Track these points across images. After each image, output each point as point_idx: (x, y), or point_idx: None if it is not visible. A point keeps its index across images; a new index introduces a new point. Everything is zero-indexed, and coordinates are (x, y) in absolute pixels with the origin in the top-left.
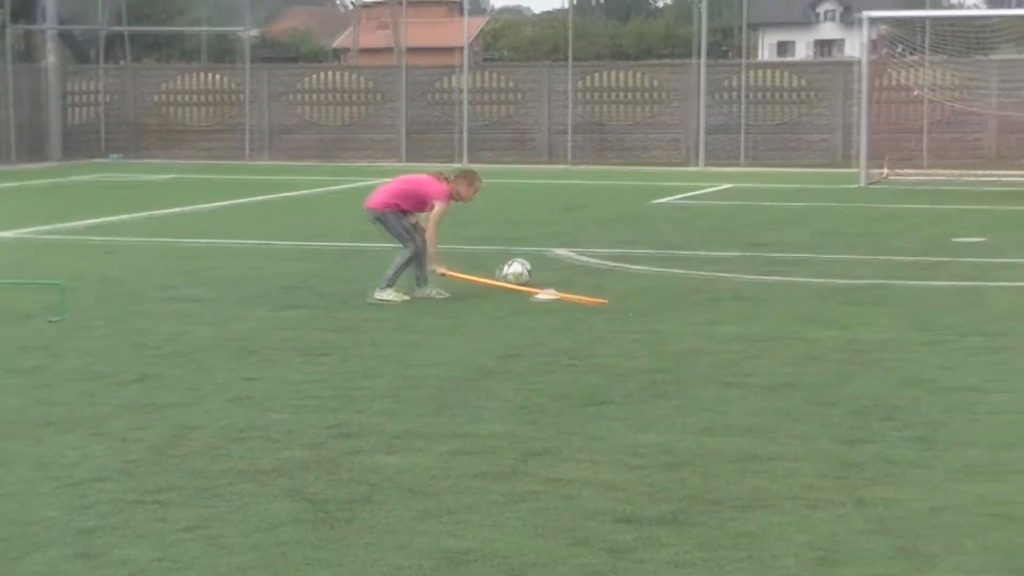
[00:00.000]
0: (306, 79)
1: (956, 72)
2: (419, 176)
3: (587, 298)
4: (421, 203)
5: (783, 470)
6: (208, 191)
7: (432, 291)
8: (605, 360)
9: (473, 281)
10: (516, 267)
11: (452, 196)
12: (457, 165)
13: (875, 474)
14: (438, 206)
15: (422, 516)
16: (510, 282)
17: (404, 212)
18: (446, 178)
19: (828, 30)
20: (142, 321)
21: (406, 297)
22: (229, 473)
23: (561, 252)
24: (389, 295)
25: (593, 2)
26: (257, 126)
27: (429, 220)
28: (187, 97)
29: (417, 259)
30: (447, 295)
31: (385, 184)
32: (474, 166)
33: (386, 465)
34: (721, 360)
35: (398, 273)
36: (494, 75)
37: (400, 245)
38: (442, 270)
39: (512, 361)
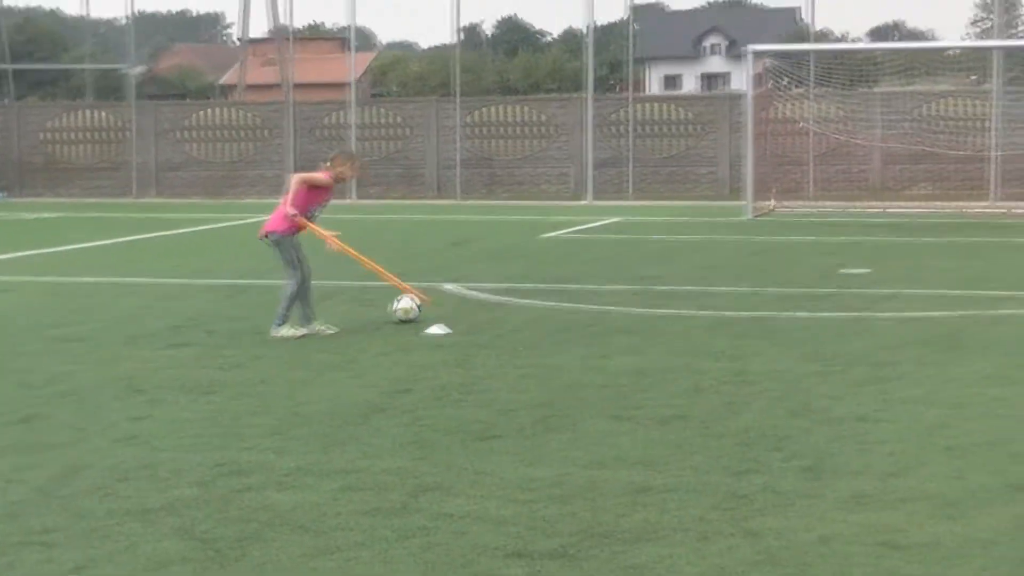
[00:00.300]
0: (193, 116)
1: (840, 105)
2: None
3: (421, 294)
4: (317, 194)
5: (673, 502)
6: (94, 229)
7: (319, 326)
8: (495, 394)
9: (316, 232)
10: (406, 302)
11: (336, 178)
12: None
13: (764, 505)
14: (311, 176)
15: (313, 553)
16: (399, 318)
17: (298, 234)
18: (326, 166)
19: (715, 64)
20: (27, 361)
21: (304, 331)
22: (117, 513)
23: (450, 287)
24: (285, 331)
25: (480, 37)
26: (143, 164)
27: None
28: (73, 135)
29: (303, 293)
30: (335, 330)
31: (276, 207)
32: (365, 201)
33: (276, 502)
34: (611, 393)
35: (288, 307)
36: (382, 110)
37: (286, 276)
38: (293, 211)
39: (401, 396)
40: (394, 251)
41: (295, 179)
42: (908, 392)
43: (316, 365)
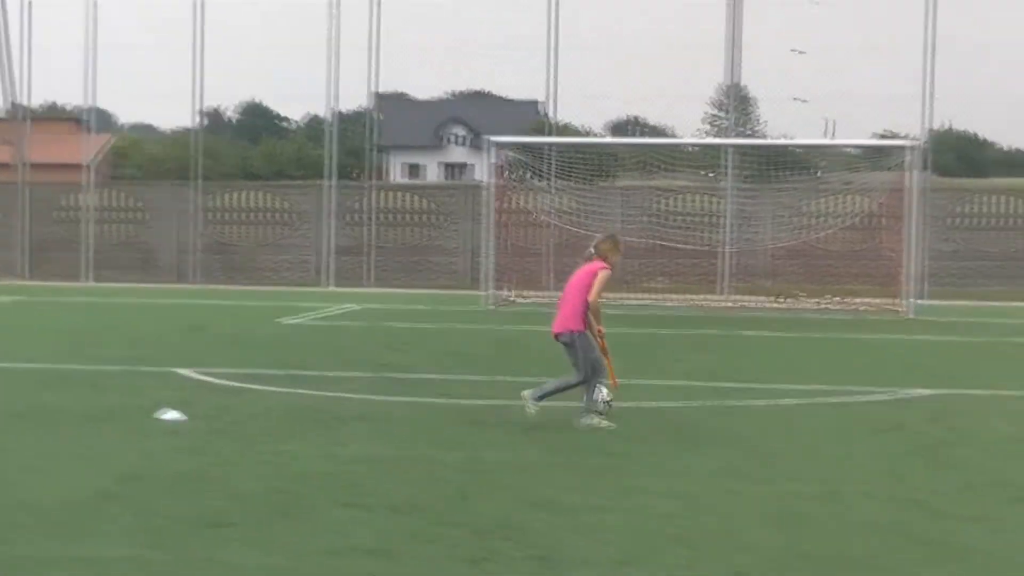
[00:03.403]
0: None
1: (579, 198)
2: (577, 274)
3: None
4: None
5: None
6: None
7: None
8: (230, 481)
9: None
10: (604, 392)
11: (612, 267)
12: None
13: None
14: (601, 273)
15: None
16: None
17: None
18: (597, 256)
19: (457, 153)
20: None
21: (607, 423)
22: None
23: (186, 372)
24: (597, 422)
25: (223, 121)
26: None
27: (595, 282)
28: None
29: (572, 387)
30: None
31: (562, 304)
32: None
33: None
34: (346, 481)
35: (592, 398)
36: (120, 194)
37: (576, 371)
38: (602, 331)
39: (134, 483)
40: (128, 336)
41: (603, 277)
42: (642, 482)
43: (45, 452)
